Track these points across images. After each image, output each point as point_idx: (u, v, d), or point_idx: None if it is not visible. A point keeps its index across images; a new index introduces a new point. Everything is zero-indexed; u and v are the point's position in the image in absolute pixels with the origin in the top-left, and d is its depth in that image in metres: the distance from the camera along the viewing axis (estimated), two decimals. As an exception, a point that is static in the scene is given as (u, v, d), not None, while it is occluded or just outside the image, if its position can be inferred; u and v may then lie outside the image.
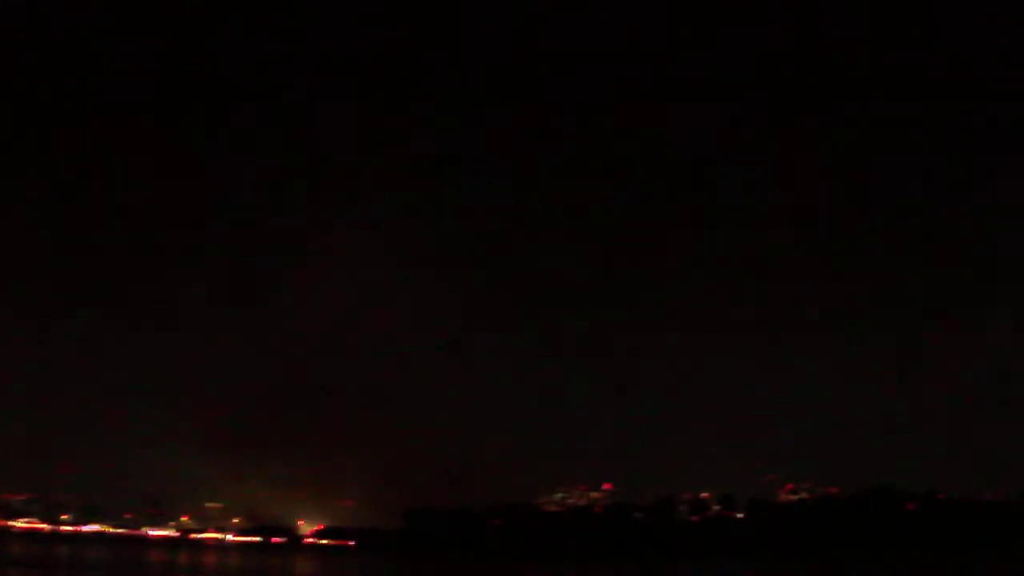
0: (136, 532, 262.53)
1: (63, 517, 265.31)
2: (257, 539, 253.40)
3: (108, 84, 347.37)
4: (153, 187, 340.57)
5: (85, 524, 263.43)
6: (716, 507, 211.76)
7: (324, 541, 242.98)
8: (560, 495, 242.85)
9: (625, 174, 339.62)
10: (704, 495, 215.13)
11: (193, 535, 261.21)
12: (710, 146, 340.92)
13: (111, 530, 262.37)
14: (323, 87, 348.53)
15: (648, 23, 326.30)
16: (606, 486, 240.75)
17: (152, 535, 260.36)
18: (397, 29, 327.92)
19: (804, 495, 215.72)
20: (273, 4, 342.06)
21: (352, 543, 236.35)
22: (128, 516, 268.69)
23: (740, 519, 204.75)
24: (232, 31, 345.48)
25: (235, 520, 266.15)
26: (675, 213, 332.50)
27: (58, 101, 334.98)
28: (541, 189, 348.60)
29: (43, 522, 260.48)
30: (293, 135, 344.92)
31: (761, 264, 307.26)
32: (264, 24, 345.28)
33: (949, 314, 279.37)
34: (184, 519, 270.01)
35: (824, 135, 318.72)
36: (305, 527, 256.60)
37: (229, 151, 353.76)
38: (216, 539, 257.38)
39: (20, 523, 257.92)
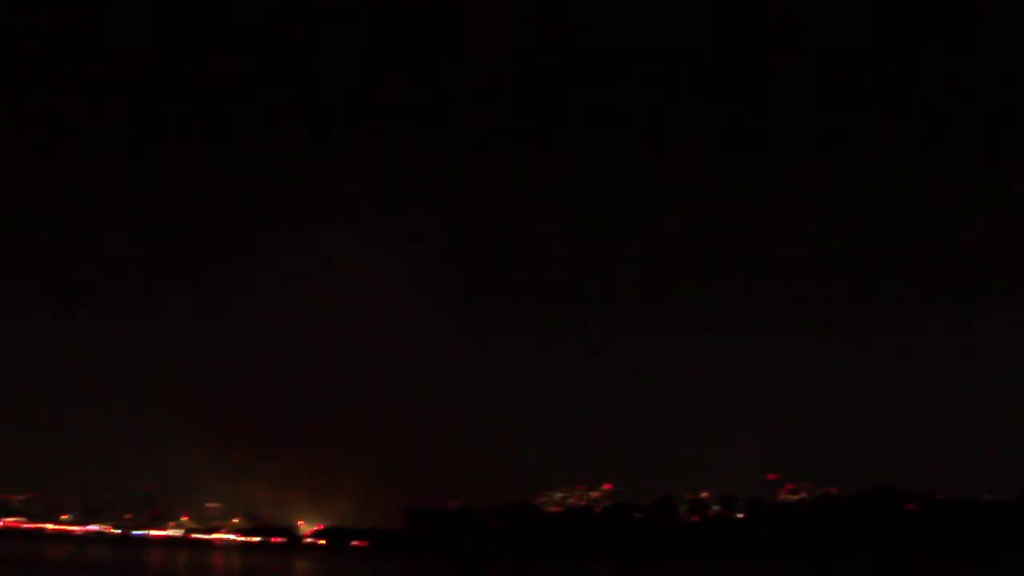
0: (136, 532, 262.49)
1: (63, 517, 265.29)
2: (257, 539, 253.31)
3: (100, 87, 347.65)
4: (151, 189, 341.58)
5: (85, 524, 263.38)
6: (716, 507, 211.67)
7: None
8: (560, 495, 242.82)
9: (625, 176, 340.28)
10: (704, 495, 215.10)
11: (193, 535, 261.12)
12: (710, 147, 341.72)
13: (111, 530, 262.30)
14: (317, 88, 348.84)
15: (658, 22, 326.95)
16: (606, 486, 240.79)
17: (152, 535, 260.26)
18: (397, 30, 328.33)
19: (804, 495, 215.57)
20: (269, 6, 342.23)
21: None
22: (128, 516, 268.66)
23: (740, 519, 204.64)
24: (232, 33, 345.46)
25: (235, 520, 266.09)
26: (675, 215, 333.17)
27: (52, 105, 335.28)
28: (542, 190, 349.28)
29: (43, 522, 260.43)
30: (289, 136, 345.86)
31: (761, 265, 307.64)
32: (264, 25, 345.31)
33: (948, 315, 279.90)
34: (184, 519, 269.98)
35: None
36: (305, 527, 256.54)
37: (226, 151, 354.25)
38: (216, 539, 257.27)
39: (11, 520, 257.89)
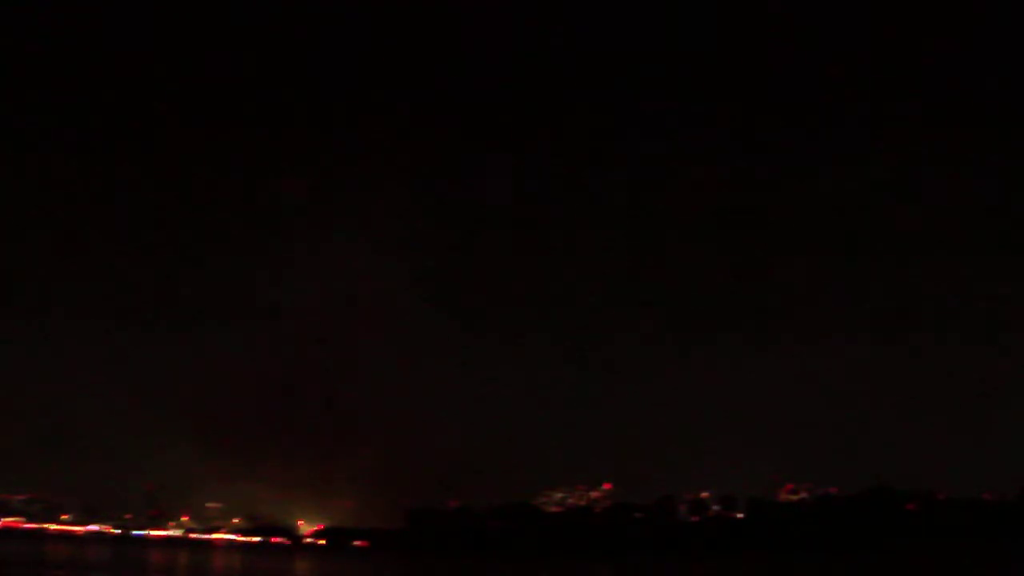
0: (136, 532, 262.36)
1: (63, 517, 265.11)
2: (257, 539, 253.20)
3: (100, 83, 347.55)
4: (150, 191, 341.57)
5: (85, 524, 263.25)
6: (716, 507, 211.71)
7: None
8: (560, 495, 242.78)
9: (625, 177, 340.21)
10: (704, 495, 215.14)
11: (193, 535, 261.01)
12: (711, 147, 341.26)
13: (111, 530, 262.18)
14: (317, 88, 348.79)
15: (658, 22, 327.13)
16: (606, 486, 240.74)
17: (152, 535, 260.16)
18: (396, 30, 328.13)
19: (804, 495, 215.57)
20: (269, 11, 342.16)
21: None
22: (128, 516, 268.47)
23: (740, 519, 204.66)
24: (231, 33, 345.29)
25: (235, 520, 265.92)
26: (673, 215, 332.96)
27: (54, 101, 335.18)
28: (542, 191, 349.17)
29: (43, 522, 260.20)
30: (288, 135, 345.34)
31: (761, 265, 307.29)
32: (262, 25, 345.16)
33: (948, 315, 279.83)
34: (184, 519, 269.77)
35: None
36: (305, 527, 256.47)
37: (222, 152, 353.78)
38: (216, 539, 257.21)
39: (11, 520, 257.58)
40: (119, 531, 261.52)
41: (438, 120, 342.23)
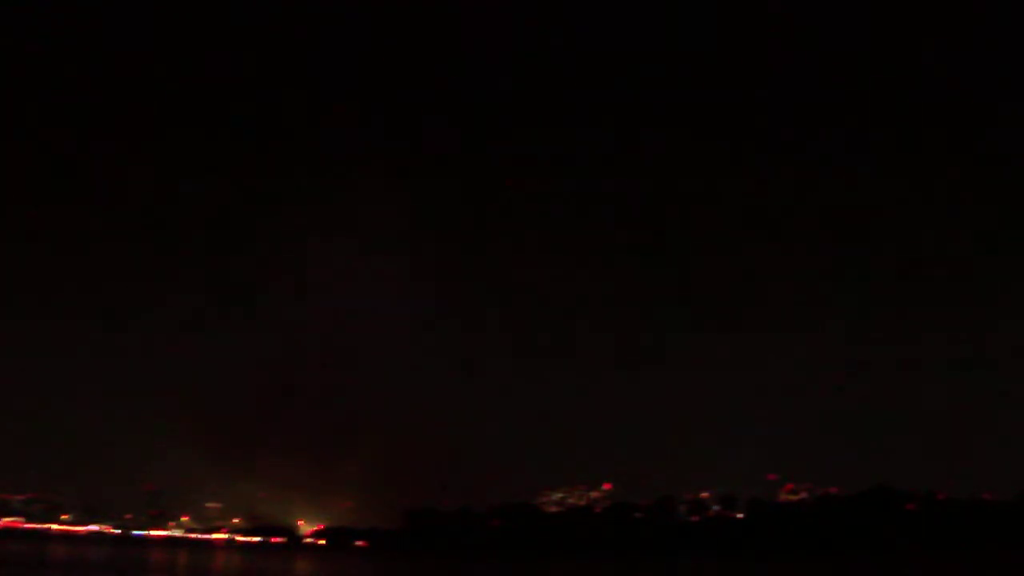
0: (136, 532, 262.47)
1: (63, 517, 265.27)
2: (257, 539, 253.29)
3: (101, 88, 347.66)
4: (150, 192, 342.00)
5: (85, 524, 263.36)
6: (716, 507, 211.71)
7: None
8: (560, 495, 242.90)
9: (621, 182, 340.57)
10: (704, 495, 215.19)
11: (193, 535, 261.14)
12: (711, 147, 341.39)
13: (111, 530, 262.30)
14: (318, 93, 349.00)
15: (658, 22, 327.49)
16: (606, 486, 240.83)
17: (152, 535, 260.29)
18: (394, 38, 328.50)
19: (804, 495, 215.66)
20: (269, 11, 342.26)
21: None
22: (128, 516, 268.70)
23: (740, 519, 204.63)
24: (228, 38, 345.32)
25: (235, 520, 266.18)
26: (672, 215, 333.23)
27: (54, 105, 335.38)
28: (539, 195, 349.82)
29: (43, 522, 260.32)
30: (289, 140, 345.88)
31: (760, 266, 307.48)
32: (260, 30, 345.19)
33: (948, 315, 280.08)
34: (184, 519, 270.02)
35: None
36: (305, 527, 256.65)
37: (224, 154, 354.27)
38: (216, 539, 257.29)
39: (11, 520, 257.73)
40: (119, 531, 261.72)
41: (438, 120, 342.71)
